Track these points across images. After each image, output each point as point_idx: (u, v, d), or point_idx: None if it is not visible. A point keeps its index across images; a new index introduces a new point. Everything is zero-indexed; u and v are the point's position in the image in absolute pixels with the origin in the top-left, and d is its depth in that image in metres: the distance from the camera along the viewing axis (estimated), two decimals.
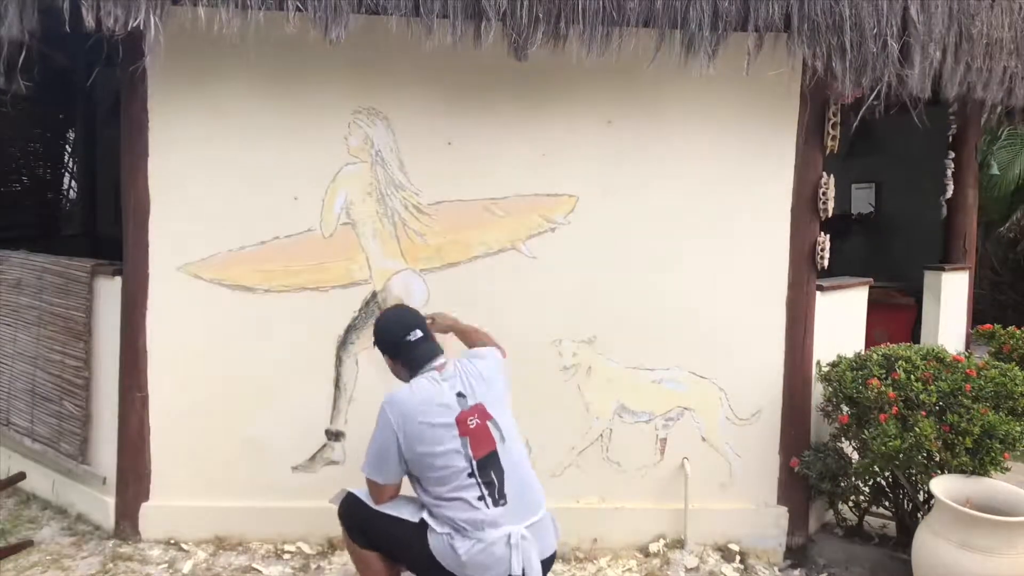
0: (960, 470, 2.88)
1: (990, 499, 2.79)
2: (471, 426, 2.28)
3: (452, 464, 2.25)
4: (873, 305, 3.95)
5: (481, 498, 2.24)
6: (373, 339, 2.55)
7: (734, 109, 3.20)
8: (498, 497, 2.26)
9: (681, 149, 3.23)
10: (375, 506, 2.39)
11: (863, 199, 6.58)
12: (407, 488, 2.41)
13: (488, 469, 2.27)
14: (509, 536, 2.21)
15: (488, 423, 2.31)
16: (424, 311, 3.17)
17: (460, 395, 2.33)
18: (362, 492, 2.43)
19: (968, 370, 3.06)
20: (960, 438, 2.83)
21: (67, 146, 6.03)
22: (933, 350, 3.28)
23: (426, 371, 2.40)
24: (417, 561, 2.35)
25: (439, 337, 2.64)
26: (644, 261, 3.26)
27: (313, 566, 3.08)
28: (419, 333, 2.45)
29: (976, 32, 3.09)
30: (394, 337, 2.46)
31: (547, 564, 2.31)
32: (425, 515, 2.31)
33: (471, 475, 2.25)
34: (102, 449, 3.33)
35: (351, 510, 2.45)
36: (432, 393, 2.33)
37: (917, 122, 3.16)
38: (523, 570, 2.20)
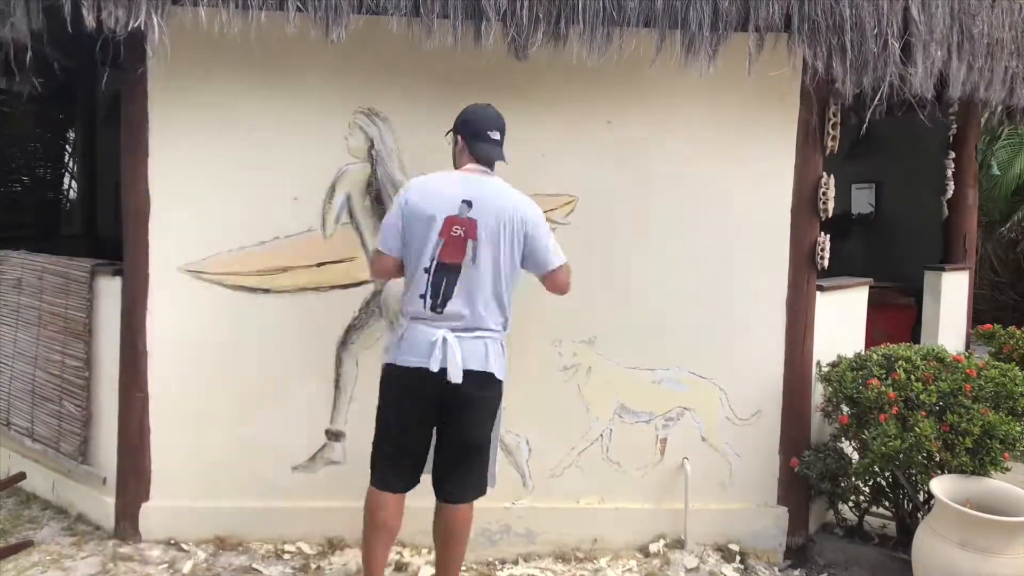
0: (960, 470, 2.88)
1: (990, 499, 2.79)
2: (453, 233, 2.43)
3: (422, 252, 2.44)
4: (873, 305, 3.95)
5: (423, 296, 2.45)
6: (459, 117, 2.65)
7: (734, 109, 3.20)
8: (438, 304, 2.44)
9: (681, 149, 3.23)
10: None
11: (863, 199, 6.58)
12: None
13: (443, 277, 2.44)
14: (440, 337, 2.41)
15: (470, 241, 2.43)
16: None
17: (467, 202, 2.45)
18: None
19: (968, 370, 3.06)
20: (960, 438, 2.83)
21: (67, 146, 6.02)
22: (933, 350, 3.28)
23: (470, 169, 2.57)
24: (398, 394, 2.54)
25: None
26: (644, 261, 3.26)
27: (313, 566, 3.08)
28: (498, 136, 2.59)
29: (977, 32, 3.09)
30: (479, 127, 2.58)
31: (473, 377, 2.45)
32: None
33: (426, 271, 2.44)
34: (102, 449, 3.33)
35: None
36: (446, 186, 2.50)
37: (920, 122, 3.16)
38: (443, 370, 2.40)
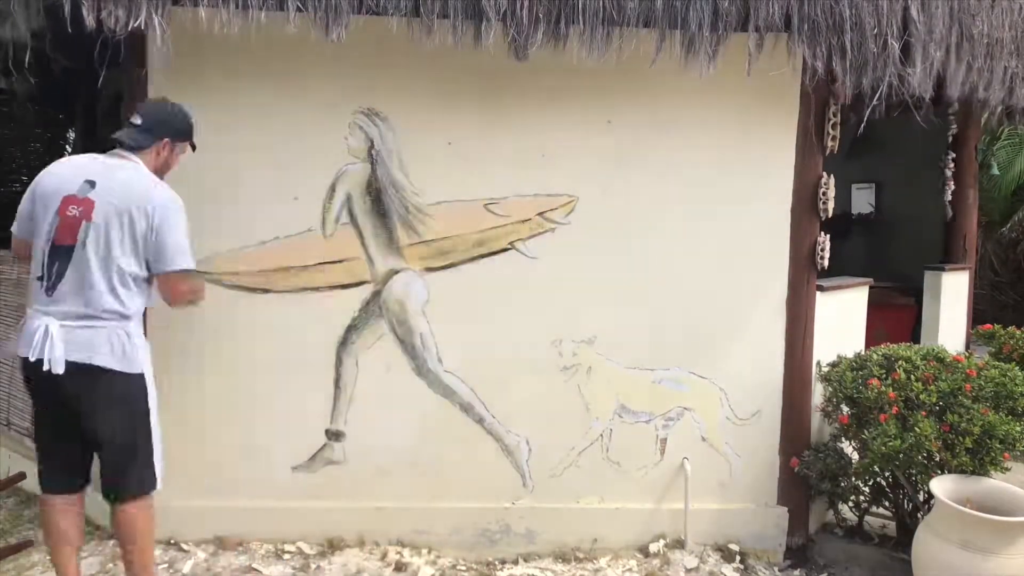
0: (960, 470, 2.88)
1: (990, 499, 2.79)
2: (68, 213, 2.34)
3: (41, 233, 2.36)
4: (873, 305, 3.95)
5: (40, 278, 2.36)
6: None
7: (734, 109, 3.20)
8: (49, 287, 2.34)
9: (681, 149, 3.23)
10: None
11: (863, 199, 6.58)
12: None
13: (55, 259, 2.34)
14: (43, 325, 2.30)
15: (84, 222, 2.33)
16: (425, 312, 3.20)
17: (89, 182, 2.37)
18: None
19: (968, 370, 3.06)
20: (960, 438, 2.83)
21: (67, 146, 6.02)
22: (933, 350, 3.29)
23: (111, 152, 2.48)
24: (27, 387, 2.46)
25: None
26: (644, 261, 3.26)
27: (313, 566, 3.08)
28: (138, 120, 2.50)
29: (977, 32, 3.09)
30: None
31: (81, 370, 2.31)
32: None
33: (43, 251, 2.36)
34: None
35: None
36: (73, 166, 2.43)
37: (919, 123, 3.16)
38: (45, 361, 2.28)
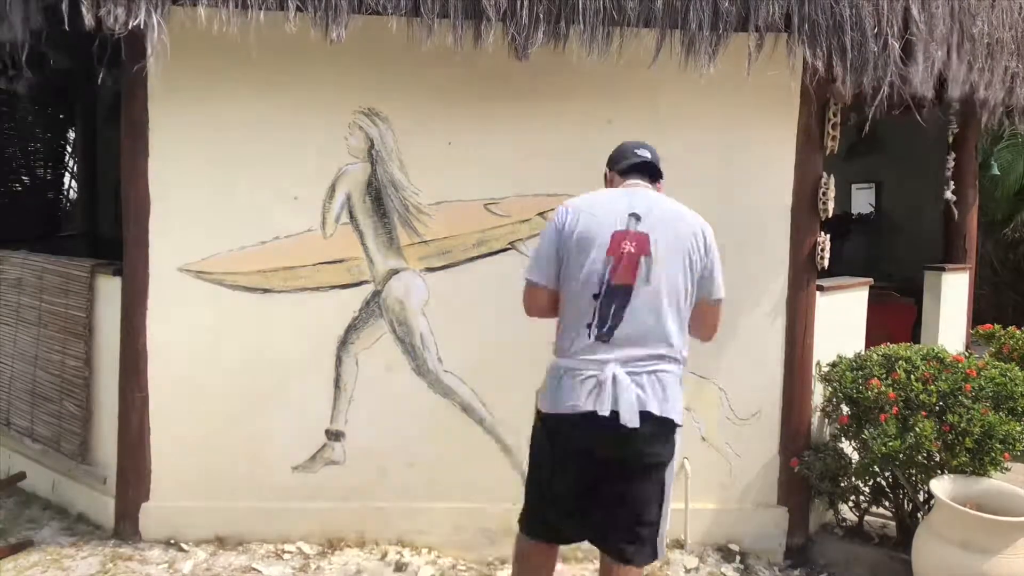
0: (960, 470, 2.88)
1: (990, 499, 2.79)
2: (622, 249, 2.11)
3: (589, 277, 2.11)
4: (873, 305, 3.95)
5: (589, 325, 2.11)
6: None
7: (734, 109, 3.20)
8: (605, 333, 2.10)
9: (681, 149, 3.21)
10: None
11: (863, 199, 6.58)
12: None
13: (611, 301, 2.10)
14: (603, 371, 2.07)
15: (642, 258, 2.10)
16: (425, 312, 3.20)
17: (634, 216, 2.14)
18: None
19: (968, 370, 3.06)
20: (960, 438, 2.83)
21: (67, 146, 6.02)
22: (933, 350, 3.28)
23: (630, 183, 2.29)
24: (556, 448, 2.20)
25: None
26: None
27: (313, 566, 3.08)
28: (647, 155, 2.31)
29: (977, 32, 3.09)
30: (623, 152, 2.37)
31: (647, 421, 2.06)
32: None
33: (595, 296, 2.11)
34: (102, 449, 3.34)
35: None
36: (608, 199, 2.22)
37: (919, 123, 3.17)
38: (614, 413, 2.04)
